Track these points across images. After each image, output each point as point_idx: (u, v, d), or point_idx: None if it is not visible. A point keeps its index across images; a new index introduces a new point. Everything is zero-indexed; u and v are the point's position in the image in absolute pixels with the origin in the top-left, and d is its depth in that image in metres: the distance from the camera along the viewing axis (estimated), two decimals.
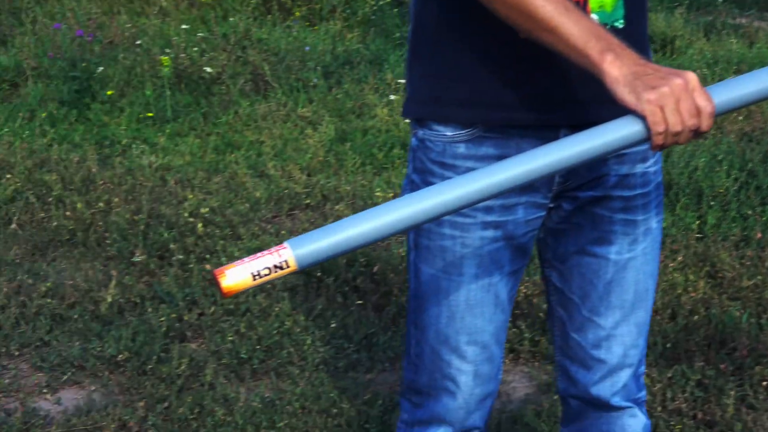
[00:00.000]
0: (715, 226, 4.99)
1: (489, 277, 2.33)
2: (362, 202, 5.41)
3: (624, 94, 1.93)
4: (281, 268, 1.81)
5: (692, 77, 1.93)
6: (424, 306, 2.39)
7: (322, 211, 5.42)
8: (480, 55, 2.19)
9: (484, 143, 2.23)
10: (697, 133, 1.93)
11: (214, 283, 1.99)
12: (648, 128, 1.92)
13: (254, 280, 1.80)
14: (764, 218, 5.04)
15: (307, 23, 9.17)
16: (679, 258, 4.59)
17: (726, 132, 6.31)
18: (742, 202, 5.21)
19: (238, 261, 1.81)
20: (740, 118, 6.49)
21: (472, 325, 2.36)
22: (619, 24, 2.20)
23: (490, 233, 2.29)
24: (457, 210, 1.94)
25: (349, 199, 5.50)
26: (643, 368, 2.55)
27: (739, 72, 7.32)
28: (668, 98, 1.90)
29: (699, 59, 7.84)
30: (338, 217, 5.21)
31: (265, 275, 1.81)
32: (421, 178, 2.30)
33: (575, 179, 2.31)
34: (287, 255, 1.81)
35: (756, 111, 6.58)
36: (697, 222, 5.04)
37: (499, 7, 2.04)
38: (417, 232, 2.35)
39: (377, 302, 4.38)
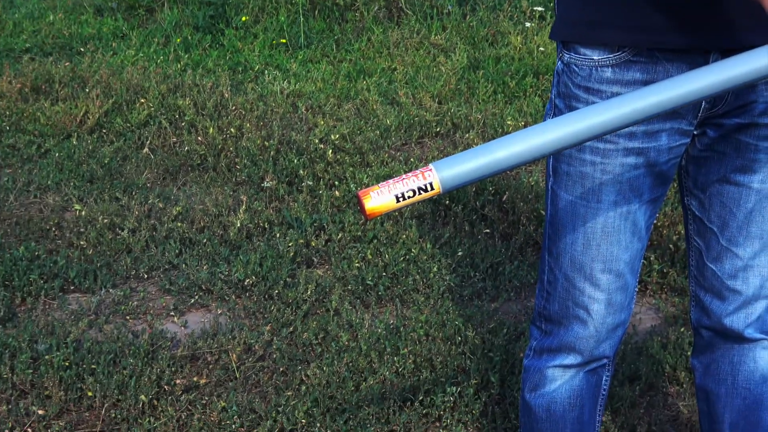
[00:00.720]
0: None
1: (628, 205, 2.28)
2: (492, 131, 5.34)
3: None
4: (425, 190, 1.78)
5: None
6: (561, 233, 2.35)
7: (452, 139, 5.37)
8: None
9: (632, 68, 2.17)
10: None
11: (358, 204, 1.96)
12: None
13: (398, 202, 1.77)
14: None
15: None
16: None
17: None
18: None
19: (383, 183, 1.78)
20: None
21: (608, 253, 2.32)
22: None
23: (631, 160, 2.23)
24: (603, 135, 1.88)
25: (479, 128, 5.43)
26: None
27: None
28: None
29: None
30: (468, 145, 5.16)
31: (410, 197, 1.78)
32: (565, 103, 2.26)
33: (722, 106, 2.24)
34: (432, 177, 1.78)
35: None
36: None
37: None
38: (557, 158, 2.31)
39: (505, 231, 4.33)
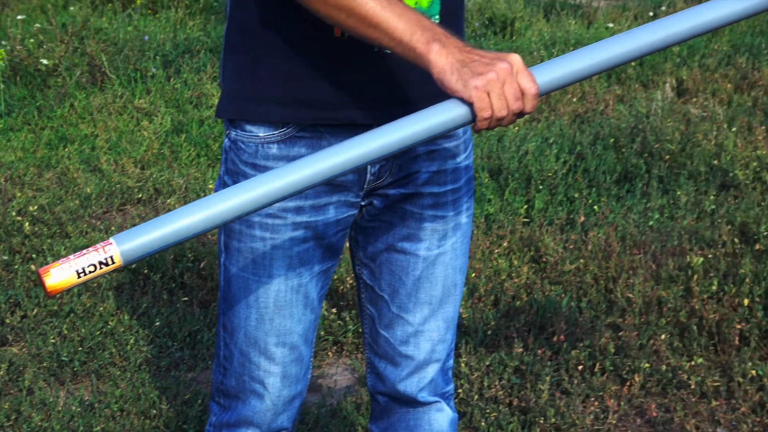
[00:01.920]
0: (542, 211, 5.07)
1: (299, 278, 2.33)
2: (195, 195, 5.37)
3: (452, 82, 1.94)
4: (106, 264, 1.79)
5: (516, 60, 1.95)
6: (234, 308, 2.38)
7: (153, 205, 5.37)
8: (292, 53, 2.18)
9: (297, 143, 2.22)
10: (521, 115, 1.96)
11: (39, 282, 1.96)
12: (473, 113, 1.94)
13: (79, 277, 1.77)
14: (590, 201, 5.14)
15: (149, 11, 9.06)
16: (505, 244, 4.65)
17: (559, 114, 6.41)
18: (569, 185, 5.30)
19: (63, 259, 1.78)
20: (574, 99, 6.60)
21: (281, 327, 2.36)
22: (436, 19, 2.20)
23: (300, 233, 2.29)
24: (274, 203, 1.92)
25: (181, 192, 5.45)
26: (451, 362, 2.58)
27: None
28: (494, 83, 1.92)
29: (537, 41, 7.94)
30: (169, 211, 5.16)
31: (91, 272, 1.78)
32: (233, 180, 2.28)
33: (387, 177, 2.32)
34: (112, 251, 1.79)
35: (590, 92, 6.69)
36: (525, 206, 5.11)
37: (319, 6, 2.02)
38: (227, 234, 2.34)
39: (203, 298, 4.36)
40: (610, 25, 8.28)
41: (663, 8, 8.70)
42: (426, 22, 1.98)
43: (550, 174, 5.33)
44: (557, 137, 5.82)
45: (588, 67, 2.00)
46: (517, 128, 6.05)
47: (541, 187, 5.24)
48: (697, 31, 2.07)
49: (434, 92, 1.99)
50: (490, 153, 5.55)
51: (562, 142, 5.72)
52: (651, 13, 8.61)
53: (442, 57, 1.94)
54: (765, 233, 4.66)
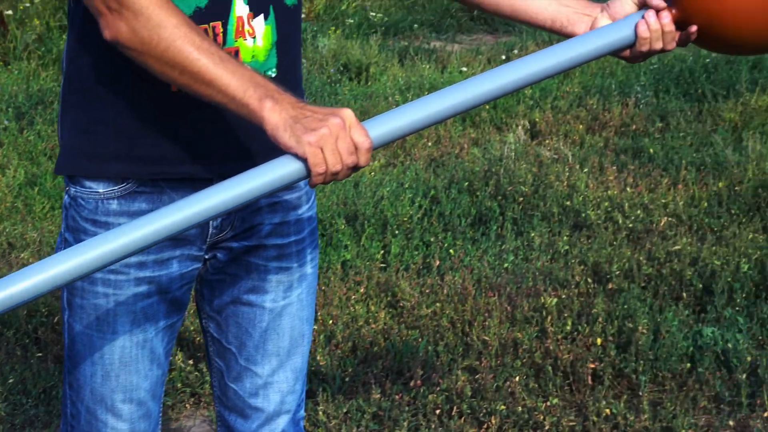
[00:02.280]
0: (398, 255, 5.10)
1: (144, 333, 2.32)
2: (50, 249, 5.29)
3: (285, 138, 1.95)
4: None
5: (349, 115, 1.97)
6: (79, 366, 2.35)
7: (7, 259, 5.27)
8: (128, 108, 2.18)
9: (137, 199, 2.22)
10: (356, 169, 1.98)
11: None
12: (308, 168, 1.95)
13: None
14: (446, 244, 5.18)
15: (1, 62, 8.91)
16: (362, 290, 4.66)
17: (415, 158, 6.46)
18: (425, 229, 5.34)
19: None
20: (429, 144, 6.66)
21: (128, 383, 2.34)
22: (272, 73, 2.22)
23: (143, 289, 2.28)
24: (113, 263, 1.92)
25: (35, 246, 5.36)
26: (302, 413, 2.58)
27: None
28: (327, 139, 1.93)
29: (392, 86, 8.00)
30: (23, 266, 5.07)
31: None
32: (74, 237, 2.26)
33: (230, 230, 2.32)
34: None
35: (445, 136, 6.77)
36: (381, 252, 5.14)
37: (152, 63, 2.02)
38: (70, 292, 2.31)
39: (59, 353, 4.28)
40: (464, 68, 8.39)
41: (515, 51, 8.85)
42: (259, 78, 2.00)
43: (405, 219, 5.37)
44: (412, 181, 5.87)
45: (421, 119, 2.04)
46: (372, 173, 6.08)
47: (397, 232, 5.27)
48: (539, 75, 2.12)
49: (273, 146, 2.00)
50: (345, 199, 5.58)
51: (417, 187, 5.77)
52: (503, 56, 8.76)
53: (275, 113, 1.96)
54: (617, 272, 4.75)
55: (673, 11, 2.20)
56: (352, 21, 9.85)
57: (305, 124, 1.95)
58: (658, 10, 2.20)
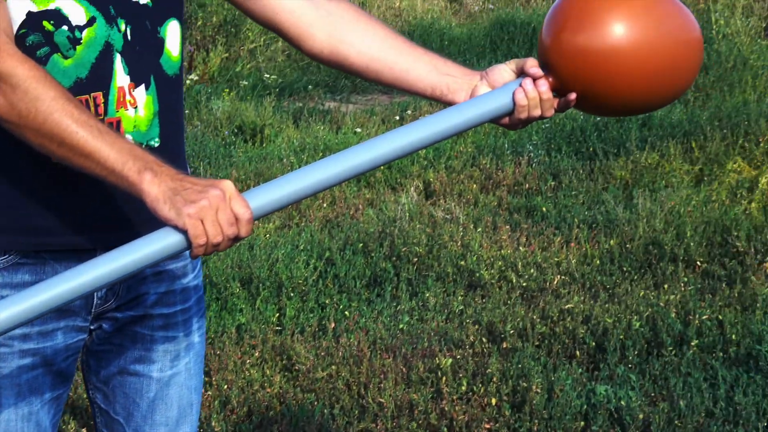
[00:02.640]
0: (293, 318, 5.07)
1: (29, 406, 2.28)
2: None
3: (165, 210, 1.95)
4: None
5: (229, 186, 1.97)
6: None
7: None
8: (6, 179, 2.15)
9: (20, 270, 2.19)
10: (237, 240, 1.97)
11: None
12: (189, 240, 1.94)
13: None
14: (341, 306, 5.17)
15: None
16: (257, 354, 4.63)
17: (310, 220, 6.45)
18: (320, 291, 5.33)
19: None
20: (324, 205, 6.66)
21: None
22: (155, 142, 2.21)
23: (28, 361, 2.24)
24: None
25: None
26: None
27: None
28: (207, 211, 1.93)
29: (287, 147, 8.01)
30: None
31: None
32: None
33: (115, 300, 2.30)
34: None
35: (340, 197, 6.77)
36: (277, 315, 5.11)
37: (31, 136, 2.00)
38: None
39: None
40: (359, 129, 8.43)
41: (409, 112, 8.91)
42: (138, 150, 1.99)
43: (300, 281, 5.36)
44: (307, 243, 5.86)
45: (302, 188, 2.04)
46: (267, 235, 6.07)
47: (292, 294, 5.25)
48: (415, 145, 2.13)
49: (154, 216, 1.99)
50: (240, 262, 5.55)
51: (312, 248, 5.76)
52: (398, 117, 8.81)
53: (154, 186, 1.95)
54: (511, 332, 4.78)
55: (550, 79, 2.22)
56: (246, 83, 9.85)
57: (185, 196, 1.94)
58: (535, 78, 2.22)
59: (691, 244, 5.65)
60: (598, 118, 8.11)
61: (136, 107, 2.17)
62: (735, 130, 7.30)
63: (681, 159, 7.12)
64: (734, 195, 6.51)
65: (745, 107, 7.72)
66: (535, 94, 2.21)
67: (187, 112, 8.88)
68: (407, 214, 6.23)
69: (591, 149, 7.57)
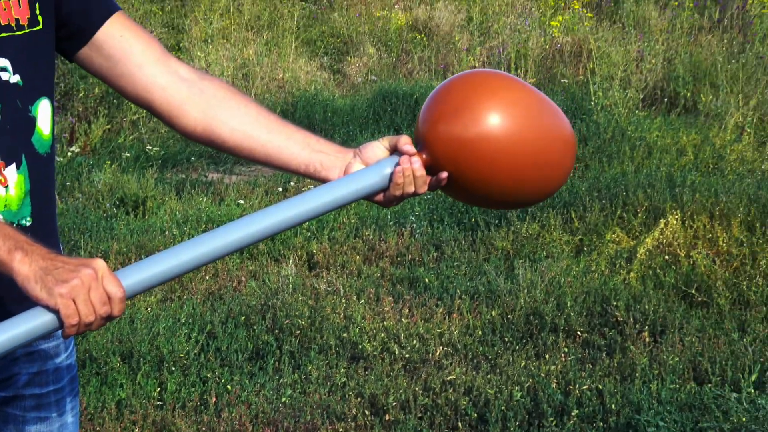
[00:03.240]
0: (175, 392, 5.02)
1: None
2: None
3: (36, 290, 1.93)
4: None
5: (101, 265, 1.96)
6: None
7: None
8: None
9: None
10: (109, 318, 1.96)
11: None
12: (61, 320, 1.92)
13: None
14: (223, 380, 5.13)
15: None
16: (137, 429, 4.57)
17: (192, 292, 6.40)
18: (202, 365, 5.28)
19: None
20: (207, 277, 6.62)
21: None
22: (27, 221, 2.18)
23: None
24: None
25: None
26: None
27: (208, 230, 7.48)
28: (79, 290, 1.92)
29: (170, 219, 7.95)
30: None
31: None
32: None
33: None
34: None
35: (223, 269, 6.73)
36: (158, 389, 5.05)
37: None
38: None
39: None
40: (241, 201, 8.40)
41: (292, 183, 8.91)
42: (8, 230, 1.98)
43: (182, 355, 5.31)
44: (189, 317, 5.81)
45: (177, 266, 2.04)
46: (148, 309, 6.00)
47: (173, 368, 5.20)
48: (287, 223, 2.14)
49: (26, 295, 1.97)
50: (121, 336, 5.48)
51: (194, 322, 5.72)
52: (281, 188, 8.81)
53: (25, 265, 1.94)
54: (393, 404, 4.78)
55: (424, 156, 2.25)
56: (129, 154, 9.77)
57: (56, 275, 1.93)
58: (409, 155, 2.25)
59: (572, 314, 5.72)
60: None
61: (6, 186, 2.15)
62: (613, 200, 7.42)
63: (561, 229, 7.22)
64: (613, 265, 6.61)
65: (623, 178, 7.86)
66: (409, 171, 2.24)
67: (68, 184, 8.79)
68: (290, 286, 6.22)
69: (473, 220, 7.64)
